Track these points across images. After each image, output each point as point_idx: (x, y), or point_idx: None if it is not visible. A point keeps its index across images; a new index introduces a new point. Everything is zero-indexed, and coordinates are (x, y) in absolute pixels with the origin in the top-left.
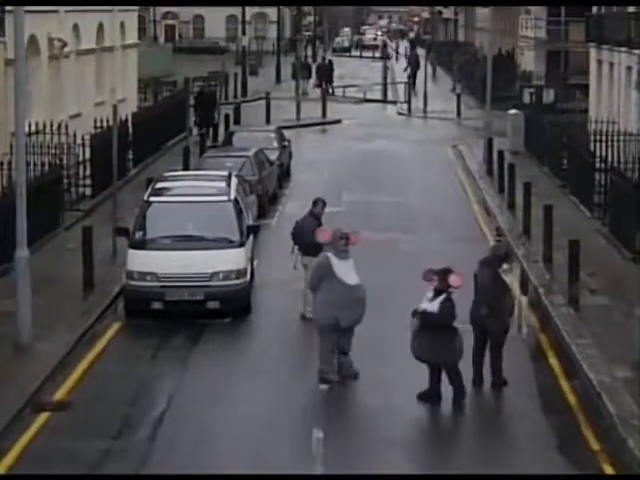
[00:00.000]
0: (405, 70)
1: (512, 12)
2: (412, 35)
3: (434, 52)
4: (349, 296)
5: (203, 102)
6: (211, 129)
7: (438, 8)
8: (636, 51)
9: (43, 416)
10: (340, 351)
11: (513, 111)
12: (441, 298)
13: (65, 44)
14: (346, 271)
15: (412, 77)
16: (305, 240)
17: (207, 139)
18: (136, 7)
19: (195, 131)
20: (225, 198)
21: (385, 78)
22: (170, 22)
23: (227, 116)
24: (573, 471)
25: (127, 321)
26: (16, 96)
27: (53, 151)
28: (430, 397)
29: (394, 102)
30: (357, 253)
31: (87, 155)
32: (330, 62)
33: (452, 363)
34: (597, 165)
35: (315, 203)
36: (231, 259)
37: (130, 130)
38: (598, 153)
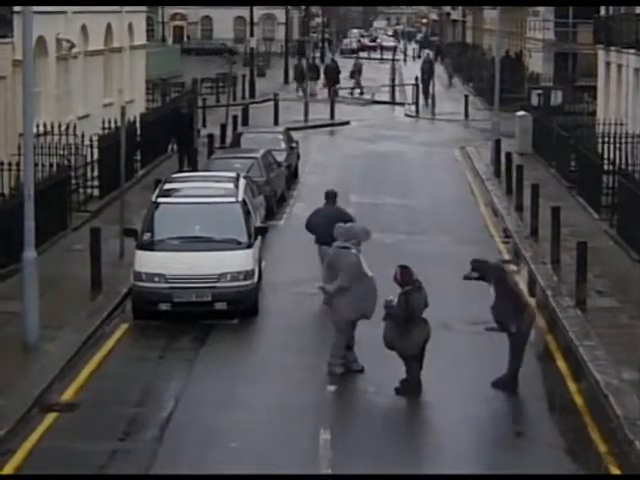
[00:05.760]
0: (420, 80)
1: (520, 14)
2: (420, 36)
3: (448, 58)
4: (371, 288)
5: (179, 124)
6: (187, 155)
7: (446, 10)
8: None
9: (50, 416)
10: (346, 346)
11: (521, 113)
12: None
13: (73, 45)
14: (364, 264)
15: (426, 84)
16: (323, 227)
17: (184, 165)
18: (144, 8)
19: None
20: (233, 199)
21: (393, 80)
22: (178, 23)
23: (235, 117)
24: (580, 473)
25: (134, 322)
26: (24, 97)
27: (61, 152)
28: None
29: (402, 104)
30: (364, 254)
31: (95, 156)
32: (335, 62)
33: (404, 353)
34: (605, 167)
35: (327, 196)
36: (239, 260)
37: (138, 131)
38: (606, 155)
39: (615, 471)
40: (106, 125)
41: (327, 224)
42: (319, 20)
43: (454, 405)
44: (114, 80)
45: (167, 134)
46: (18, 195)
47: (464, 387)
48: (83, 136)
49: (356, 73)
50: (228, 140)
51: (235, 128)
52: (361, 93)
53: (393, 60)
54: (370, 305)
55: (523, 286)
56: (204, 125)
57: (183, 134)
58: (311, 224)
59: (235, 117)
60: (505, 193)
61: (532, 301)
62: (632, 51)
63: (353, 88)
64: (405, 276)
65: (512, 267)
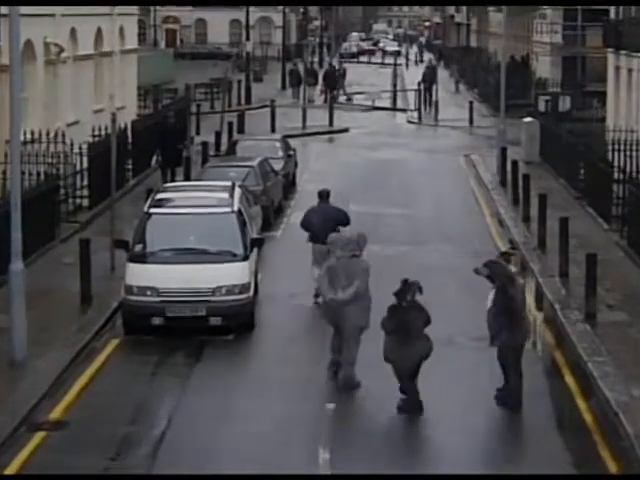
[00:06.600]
0: (420, 85)
1: (527, 17)
2: (422, 40)
3: (454, 63)
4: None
5: (168, 138)
6: (175, 169)
7: (450, 12)
8: None
9: (39, 435)
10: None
11: (528, 119)
12: None
13: (62, 49)
14: None
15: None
16: (318, 225)
17: (168, 179)
18: (135, 11)
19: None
20: (228, 209)
21: (395, 85)
22: (171, 27)
23: (230, 124)
24: None
25: (126, 337)
26: (11, 103)
27: (49, 160)
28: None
29: (404, 110)
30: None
31: (84, 164)
32: (334, 67)
33: (400, 368)
34: (615, 176)
35: (320, 196)
36: (234, 273)
37: (129, 139)
38: (616, 163)
39: None
40: (96, 132)
41: (322, 222)
42: (317, 23)
43: (457, 423)
44: (104, 86)
45: (152, 146)
46: (5, 205)
47: (468, 404)
48: (72, 144)
49: (340, 77)
50: (223, 148)
51: (230, 135)
52: (348, 99)
53: (395, 65)
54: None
55: (530, 300)
56: (198, 132)
57: (169, 146)
58: (306, 222)
59: (230, 124)
60: (511, 203)
61: (539, 315)
62: None
63: (351, 94)
64: (398, 291)
65: (519, 280)
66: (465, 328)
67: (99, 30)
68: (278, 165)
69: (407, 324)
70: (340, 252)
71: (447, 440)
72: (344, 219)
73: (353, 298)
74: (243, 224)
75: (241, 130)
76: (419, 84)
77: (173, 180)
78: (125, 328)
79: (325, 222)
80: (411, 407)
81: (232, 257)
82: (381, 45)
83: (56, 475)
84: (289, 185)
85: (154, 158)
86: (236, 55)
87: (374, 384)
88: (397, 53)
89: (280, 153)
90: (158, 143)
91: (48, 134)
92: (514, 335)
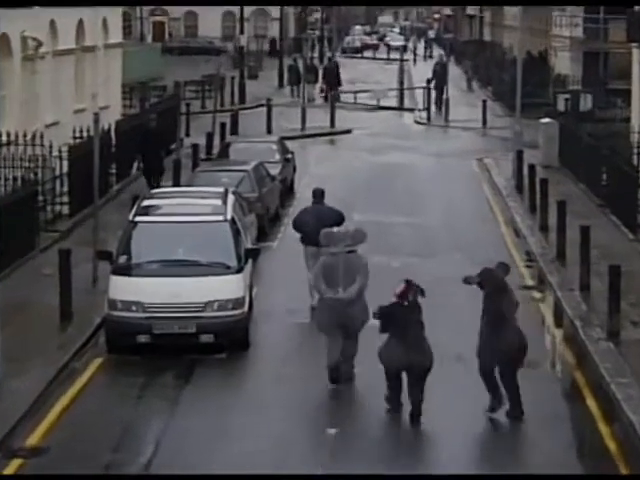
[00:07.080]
0: (429, 83)
1: (545, 9)
2: (431, 33)
3: (467, 59)
4: None
5: (150, 142)
6: (155, 176)
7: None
8: None
9: (15, 463)
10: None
11: (546, 120)
12: None
13: (40, 44)
14: None
15: (438, 89)
16: (312, 226)
17: (152, 186)
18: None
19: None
20: (221, 218)
21: (401, 83)
22: (159, 19)
23: (223, 125)
24: None
25: (109, 356)
26: None
27: (27, 164)
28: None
29: (411, 110)
30: (371, 278)
31: (65, 169)
32: (334, 63)
33: (387, 366)
34: None
35: (314, 195)
36: (227, 287)
37: (113, 141)
38: None
39: None
40: (77, 134)
41: (316, 223)
42: (318, 16)
43: (465, 446)
44: (87, 83)
45: (132, 151)
46: None
47: (478, 427)
48: (51, 146)
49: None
50: (215, 151)
51: (223, 137)
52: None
53: (401, 61)
54: None
55: (549, 316)
56: (188, 134)
57: (150, 152)
58: (299, 223)
59: (223, 125)
60: (528, 210)
61: (558, 332)
62: None
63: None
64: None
65: (536, 294)
66: (476, 343)
67: (80, 23)
68: (275, 170)
69: (405, 323)
70: (334, 248)
71: (454, 466)
72: (339, 219)
73: (357, 296)
74: (237, 234)
75: (234, 131)
76: (428, 82)
77: (158, 186)
78: (108, 346)
79: (319, 222)
80: (390, 404)
81: (225, 269)
82: (387, 39)
83: (56, 475)
84: (286, 191)
85: (134, 165)
86: (234, 49)
87: (378, 406)
88: (403, 48)
89: (277, 156)
90: (139, 148)
91: (25, 136)
92: (499, 345)
